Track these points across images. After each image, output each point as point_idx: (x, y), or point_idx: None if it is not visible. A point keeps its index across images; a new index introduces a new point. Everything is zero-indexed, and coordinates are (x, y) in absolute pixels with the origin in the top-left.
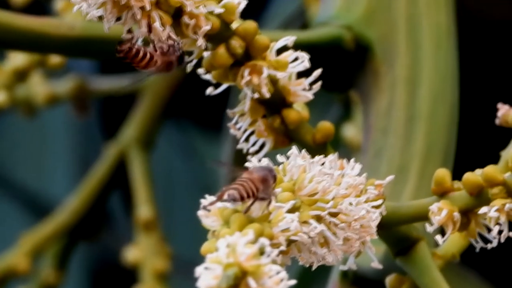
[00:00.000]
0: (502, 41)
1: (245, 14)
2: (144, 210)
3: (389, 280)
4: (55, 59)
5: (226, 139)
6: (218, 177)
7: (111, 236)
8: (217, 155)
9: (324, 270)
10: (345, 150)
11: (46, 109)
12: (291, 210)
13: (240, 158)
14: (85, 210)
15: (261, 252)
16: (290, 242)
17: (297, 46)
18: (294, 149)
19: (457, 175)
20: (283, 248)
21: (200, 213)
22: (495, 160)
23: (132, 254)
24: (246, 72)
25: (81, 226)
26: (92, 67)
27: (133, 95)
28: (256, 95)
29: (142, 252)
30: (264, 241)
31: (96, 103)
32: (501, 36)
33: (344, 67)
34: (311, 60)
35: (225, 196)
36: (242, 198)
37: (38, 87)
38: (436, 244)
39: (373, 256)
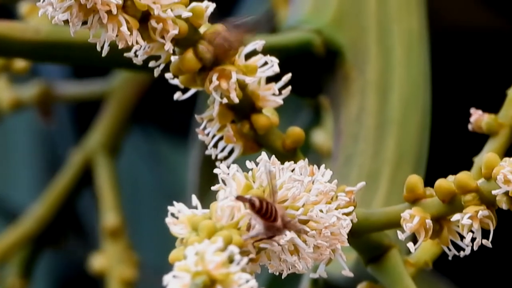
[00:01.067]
0: (474, 47)
1: (214, 18)
2: (110, 217)
3: None
4: (20, 64)
5: (193, 145)
6: (184, 184)
7: (77, 244)
8: (183, 161)
9: (294, 278)
10: (315, 156)
11: (10, 114)
12: None
13: (207, 164)
14: (51, 217)
15: (230, 260)
16: (259, 250)
17: (266, 51)
18: (263, 155)
19: (429, 182)
20: (252, 256)
21: (168, 220)
22: (467, 166)
23: (98, 261)
24: (215, 77)
25: (47, 234)
26: (64, 72)
27: (99, 101)
28: (224, 100)
29: (109, 260)
30: (233, 248)
31: (62, 109)
32: (474, 43)
33: (314, 72)
34: (280, 64)
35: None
36: (259, 211)
37: (3, 92)
38: (408, 252)
39: (344, 264)
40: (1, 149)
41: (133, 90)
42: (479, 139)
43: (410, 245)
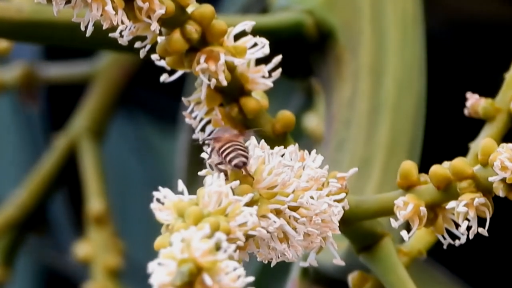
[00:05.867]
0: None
1: None
2: (95, 203)
3: (352, 277)
4: (1, 44)
5: (181, 130)
6: (172, 170)
7: (59, 234)
8: (170, 148)
9: (284, 267)
10: (306, 141)
11: None
12: (249, 204)
13: (196, 149)
14: (34, 203)
15: (217, 247)
16: (248, 237)
17: (256, 32)
18: (252, 140)
19: (424, 168)
20: (240, 243)
21: (154, 206)
22: (463, 152)
23: (82, 249)
24: (202, 58)
25: (30, 220)
26: (35, 53)
27: (84, 83)
28: (213, 83)
29: (93, 248)
30: (220, 235)
31: (45, 92)
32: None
33: (305, 54)
34: (270, 46)
35: (234, 163)
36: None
37: None
38: (402, 240)
39: (335, 253)
40: None
41: (119, 73)
42: (475, 124)
43: (403, 233)
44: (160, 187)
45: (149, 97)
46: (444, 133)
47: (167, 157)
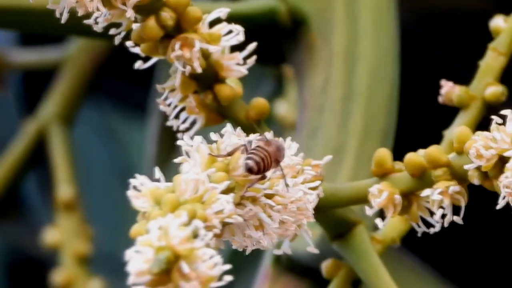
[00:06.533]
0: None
1: None
2: (64, 189)
3: (325, 265)
4: None
5: (150, 118)
6: (138, 159)
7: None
8: (137, 136)
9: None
10: (276, 128)
11: None
12: (225, 191)
13: (166, 136)
14: (3, 188)
15: (195, 235)
16: (224, 225)
17: (230, 19)
18: (228, 127)
19: (397, 156)
20: (217, 231)
21: (130, 193)
22: (436, 140)
23: (51, 236)
24: (177, 45)
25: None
26: (9, 39)
27: (53, 69)
28: (187, 70)
29: (62, 234)
30: (198, 223)
31: (14, 77)
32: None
33: (279, 40)
34: (244, 33)
35: (241, 162)
36: (258, 172)
37: None
38: (376, 228)
39: (310, 240)
40: None
41: (89, 59)
42: (450, 112)
43: (378, 221)
44: (136, 174)
45: (116, 86)
46: (418, 120)
47: (133, 145)
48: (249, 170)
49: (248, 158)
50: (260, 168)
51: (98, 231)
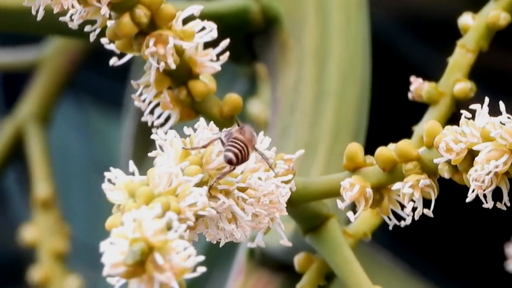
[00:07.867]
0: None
1: None
2: (42, 187)
3: (298, 259)
4: None
5: (127, 115)
6: (116, 155)
7: (6, 216)
8: (115, 133)
9: (231, 251)
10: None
11: None
12: (199, 184)
13: (142, 133)
14: None
15: (168, 227)
16: (197, 217)
17: (203, 17)
18: (202, 121)
19: (368, 151)
20: (190, 223)
21: (105, 186)
22: (407, 136)
23: (29, 233)
24: (152, 42)
25: None
26: None
27: (30, 69)
28: (161, 66)
29: (40, 232)
30: (171, 215)
31: None
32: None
33: (251, 39)
34: (218, 32)
35: (220, 156)
36: (237, 162)
37: None
38: (348, 222)
39: (282, 233)
40: None
41: (65, 60)
42: (419, 108)
43: (349, 214)
44: (111, 168)
45: (94, 82)
46: (388, 117)
47: (111, 141)
48: (229, 162)
49: (227, 150)
50: (239, 158)
51: (79, 224)
